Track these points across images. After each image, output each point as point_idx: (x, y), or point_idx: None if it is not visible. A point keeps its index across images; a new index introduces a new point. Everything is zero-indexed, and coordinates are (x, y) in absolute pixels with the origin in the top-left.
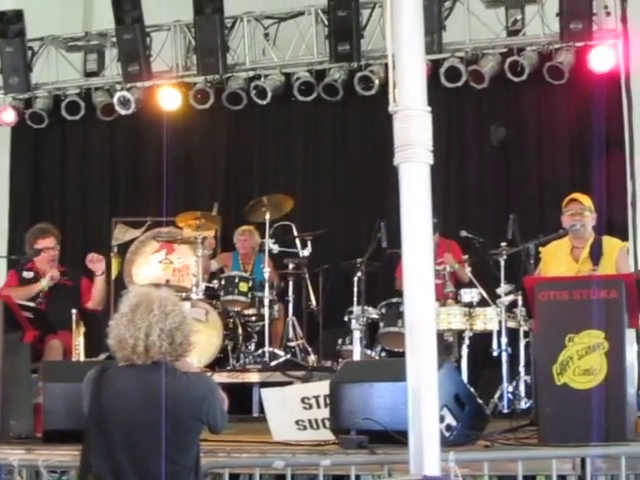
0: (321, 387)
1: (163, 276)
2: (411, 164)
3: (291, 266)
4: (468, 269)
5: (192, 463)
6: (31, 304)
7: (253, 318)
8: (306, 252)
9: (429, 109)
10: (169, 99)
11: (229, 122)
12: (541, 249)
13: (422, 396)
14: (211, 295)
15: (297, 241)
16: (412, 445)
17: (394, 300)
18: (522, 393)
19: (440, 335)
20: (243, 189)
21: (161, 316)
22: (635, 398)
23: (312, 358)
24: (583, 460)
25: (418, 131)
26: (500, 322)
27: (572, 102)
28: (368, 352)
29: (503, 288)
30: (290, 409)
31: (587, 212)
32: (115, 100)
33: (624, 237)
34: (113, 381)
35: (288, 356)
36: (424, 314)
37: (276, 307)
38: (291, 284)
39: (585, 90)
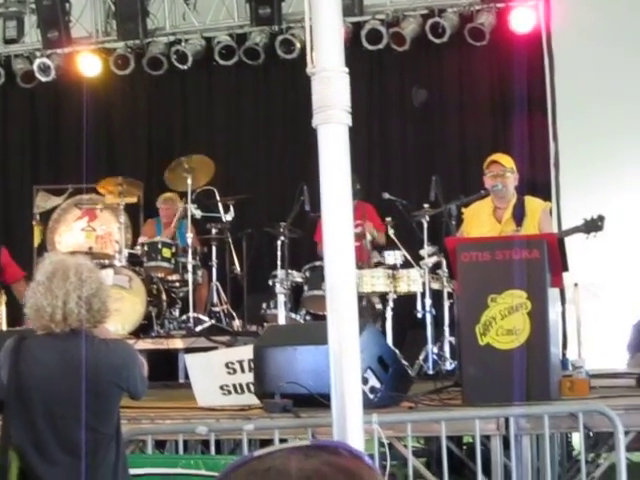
0: (245, 352)
1: (86, 243)
2: (329, 125)
3: (214, 231)
4: (391, 231)
5: (113, 430)
6: None
7: (177, 284)
8: (229, 217)
9: (347, 70)
10: (89, 65)
11: (150, 87)
12: (463, 210)
13: (344, 359)
14: (134, 262)
15: (220, 206)
16: (335, 408)
17: (318, 263)
18: (447, 354)
19: (364, 297)
20: (165, 155)
21: (78, 283)
22: (559, 358)
23: (237, 323)
24: (507, 420)
25: (336, 92)
26: (424, 284)
27: (494, 63)
28: (293, 316)
29: (426, 250)
30: (214, 374)
31: (508, 173)
32: (35, 67)
33: (547, 198)
34: (32, 350)
35: (212, 321)
36: (344, 277)
37: (200, 272)
38: (214, 249)
39: (506, 51)
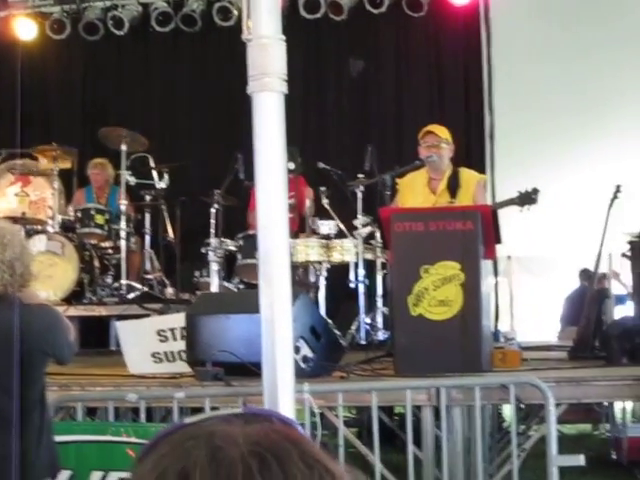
0: (177, 319)
1: (19, 209)
2: (264, 93)
3: (148, 198)
4: (325, 201)
5: (37, 396)
6: None
7: (110, 251)
8: (163, 184)
9: (284, 38)
10: (25, 29)
11: (86, 53)
12: (398, 180)
13: (276, 327)
14: (67, 228)
15: (154, 173)
16: (266, 377)
17: (251, 232)
18: (379, 324)
19: (297, 267)
20: (100, 120)
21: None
22: (491, 330)
23: (169, 290)
24: (438, 391)
25: (272, 60)
26: (357, 254)
27: (431, 34)
28: (226, 284)
29: (360, 220)
30: (146, 342)
31: (443, 144)
32: None
33: (481, 170)
34: None
35: (145, 289)
36: (277, 245)
37: (133, 240)
38: (148, 216)
39: (444, 23)
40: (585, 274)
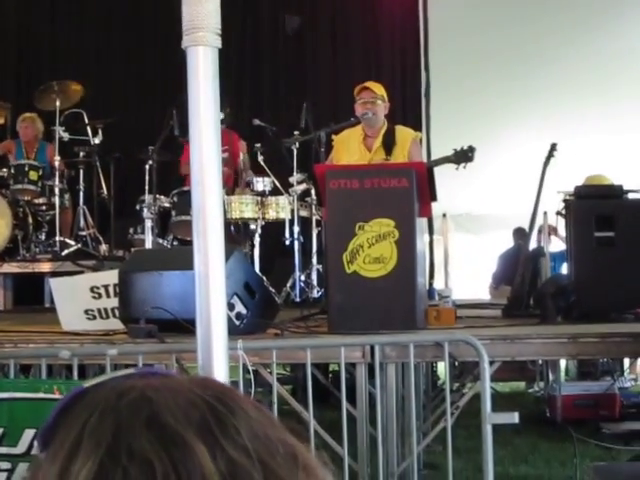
0: (111, 276)
1: None
2: (198, 48)
3: (82, 154)
4: (260, 158)
5: None
6: None
7: (43, 207)
8: (97, 140)
9: None
10: None
11: (19, 7)
12: (333, 137)
13: (210, 284)
14: (0, 184)
15: (88, 129)
16: (200, 333)
17: (186, 188)
18: (314, 282)
19: (232, 223)
20: (34, 74)
21: None
22: (425, 287)
23: (103, 247)
24: (372, 348)
25: (206, 14)
26: (292, 211)
27: None
28: (160, 241)
29: (296, 177)
30: (79, 298)
31: (379, 101)
32: None
33: (417, 127)
34: None
35: (79, 245)
36: (211, 201)
37: (66, 196)
38: (82, 173)
39: None
40: (519, 233)
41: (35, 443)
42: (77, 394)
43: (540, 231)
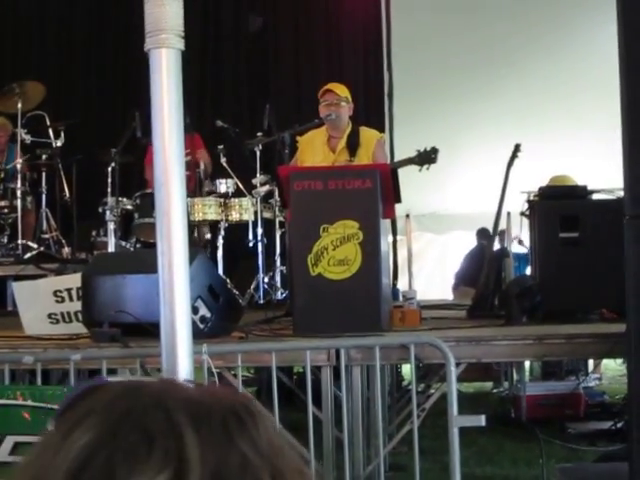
0: (74, 279)
1: None
2: (161, 50)
3: (44, 157)
4: (223, 159)
5: None
6: None
7: (5, 210)
8: (59, 142)
9: None
10: None
11: None
12: (298, 138)
13: (174, 287)
14: None
15: (50, 131)
16: (164, 337)
17: (149, 191)
18: (278, 284)
19: (195, 226)
20: None
21: None
22: (390, 289)
23: (66, 250)
24: (338, 351)
25: (169, 16)
26: (256, 213)
27: None
28: (123, 244)
29: (259, 178)
30: (42, 302)
31: (343, 102)
32: None
33: (380, 128)
34: None
35: (42, 248)
36: (175, 204)
37: (29, 199)
38: (44, 175)
39: None
40: (482, 233)
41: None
42: (98, 384)
43: (503, 232)
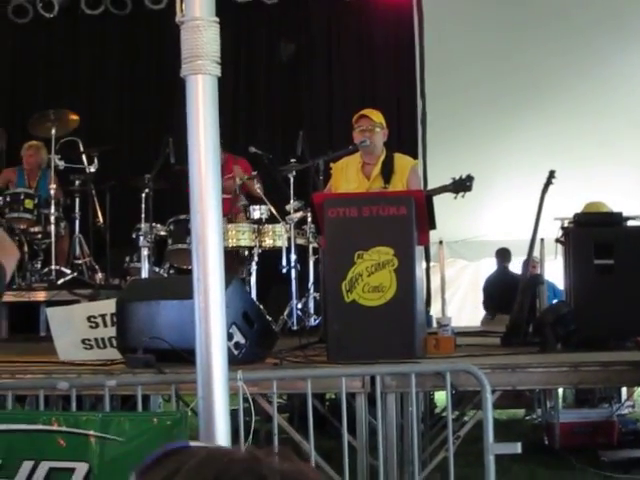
0: (108, 305)
1: None
2: (198, 76)
3: (77, 182)
4: (257, 185)
5: None
6: None
7: (39, 236)
8: (93, 168)
9: (217, 20)
10: None
11: (15, 35)
12: (331, 165)
13: (209, 314)
14: None
15: (83, 157)
16: (199, 364)
17: (182, 217)
18: (311, 310)
19: (230, 252)
20: (29, 104)
21: None
22: (424, 315)
23: (99, 276)
24: (373, 378)
25: (205, 42)
26: (289, 239)
27: (363, 18)
28: (156, 270)
29: (292, 205)
30: (76, 328)
31: (377, 128)
32: None
33: (413, 155)
34: None
35: (75, 274)
36: (211, 229)
37: (62, 224)
38: (77, 201)
39: (377, 6)
40: (501, 253)
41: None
42: (180, 447)
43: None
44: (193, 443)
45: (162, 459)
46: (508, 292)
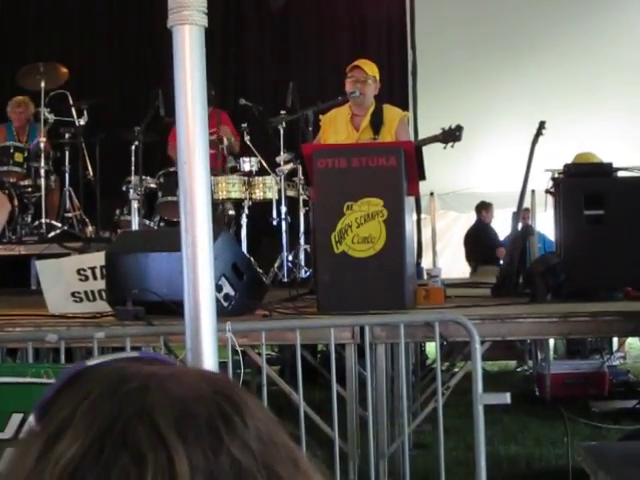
0: (97, 258)
1: None
2: (185, 26)
3: (67, 136)
4: (247, 138)
5: None
6: None
7: (29, 189)
8: (82, 121)
9: None
10: None
11: None
12: (321, 117)
13: (198, 265)
14: None
15: (73, 110)
16: (188, 315)
17: (172, 169)
18: (302, 262)
19: (219, 204)
20: (17, 56)
21: None
22: (414, 267)
23: (90, 229)
24: (362, 329)
25: None
26: (280, 191)
27: None
28: (146, 222)
29: (282, 156)
30: (66, 281)
31: (370, 80)
32: None
33: (404, 106)
34: None
35: (65, 227)
36: (199, 181)
37: (52, 178)
38: (67, 154)
39: None
40: (479, 207)
41: (23, 427)
42: (77, 372)
43: (528, 210)
44: (90, 362)
45: (59, 394)
46: (486, 245)
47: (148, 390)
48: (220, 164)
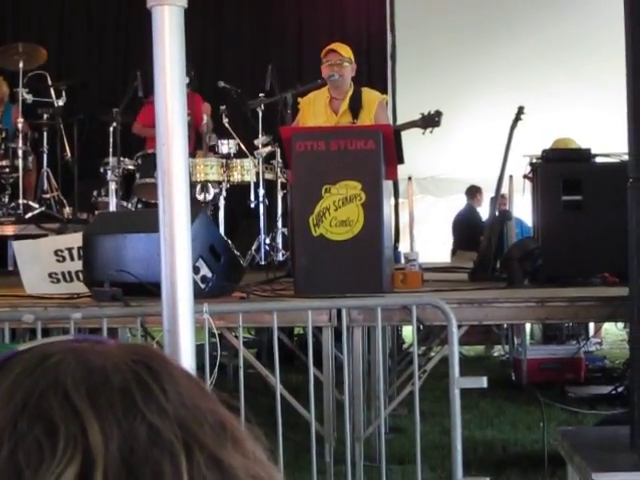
0: (74, 239)
1: None
2: (164, 7)
3: (45, 116)
4: (225, 120)
5: None
6: None
7: (6, 170)
8: (61, 102)
9: None
10: None
11: None
12: (299, 99)
13: (175, 246)
14: None
15: (52, 90)
16: (165, 297)
17: (150, 151)
18: (279, 245)
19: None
20: None
21: None
22: (392, 250)
23: (67, 210)
24: (339, 311)
25: None
26: (258, 173)
27: None
28: (124, 204)
29: (261, 139)
30: (43, 262)
31: (346, 63)
32: None
33: (383, 90)
34: None
35: (43, 208)
36: (176, 161)
37: (30, 158)
38: (45, 135)
39: None
40: (469, 191)
41: None
42: (7, 358)
43: (504, 196)
44: (23, 346)
45: None
46: (472, 230)
47: (65, 363)
48: (194, 146)
